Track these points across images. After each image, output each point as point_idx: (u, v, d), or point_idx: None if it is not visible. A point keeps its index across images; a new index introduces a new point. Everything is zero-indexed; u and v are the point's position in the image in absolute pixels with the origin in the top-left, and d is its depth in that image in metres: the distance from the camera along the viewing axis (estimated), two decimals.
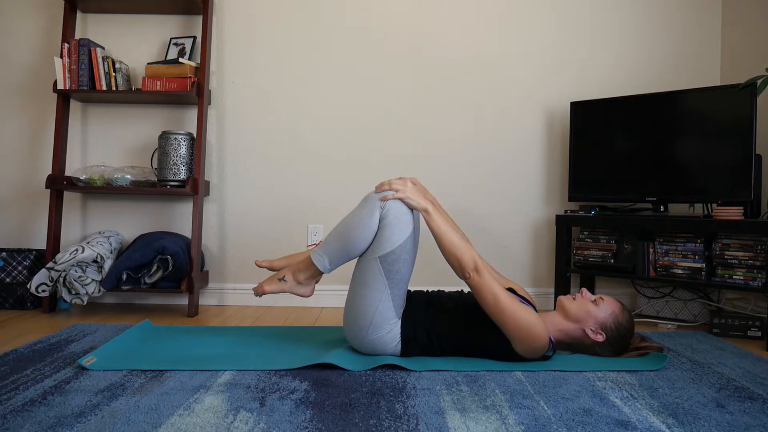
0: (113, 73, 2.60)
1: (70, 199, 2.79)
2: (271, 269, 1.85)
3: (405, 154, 2.81)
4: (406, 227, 1.70)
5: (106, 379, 1.54)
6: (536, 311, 1.87)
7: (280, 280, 1.80)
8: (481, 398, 1.44)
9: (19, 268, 2.56)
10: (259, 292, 1.81)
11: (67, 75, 2.57)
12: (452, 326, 1.75)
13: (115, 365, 1.65)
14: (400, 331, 1.73)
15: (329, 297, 2.79)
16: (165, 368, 1.64)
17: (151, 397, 1.40)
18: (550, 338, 1.71)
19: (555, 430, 1.25)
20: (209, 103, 2.75)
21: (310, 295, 1.84)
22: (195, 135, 2.67)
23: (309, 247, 1.83)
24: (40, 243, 2.79)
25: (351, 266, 2.79)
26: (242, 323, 2.38)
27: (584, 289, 1.83)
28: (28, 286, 2.44)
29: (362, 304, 1.71)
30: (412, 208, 1.72)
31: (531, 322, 1.64)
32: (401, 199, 1.70)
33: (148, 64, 2.65)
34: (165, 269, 2.49)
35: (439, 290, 1.93)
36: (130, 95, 2.63)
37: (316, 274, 1.79)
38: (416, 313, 1.76)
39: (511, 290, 1.90)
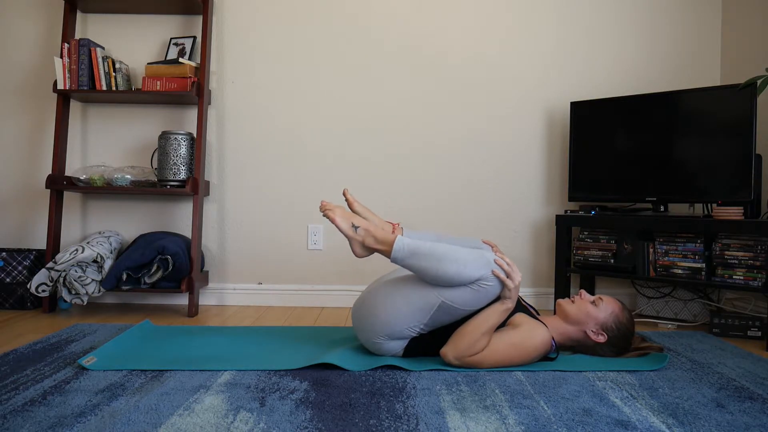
0: (113, 73, 2.60)
1: (70, 199, 2.79)
2: (350, 205, 1.82)
3: (405, 154, 2.81)
4: (483, 303, 1.64)
5: (106, 379, 1.54)
6: (538, 314, 1.87)
7: (354, 226, 1.72)
8: (481, 398, 1.44)
9: (19, 268, 2.56)
10: (327, 212, 1.73)
11: (67, 75, 2.57)
12: (455, 327, 1.74)
13: (115, 365, 1.65)
14: (407, 343, 1.73)
15: (329, 297, 2.79)
16: (165, 368, 1.64)
17: (151, 397, 1.40)
18: (552, 341, 1.71)
19: (555, 430, 1.25)
20: (209, 103, 2.75)
21: (361, 257, 1.75)
22: (195, 135, 2.67)
23: (396, 225, 1.78)
24: (40, 243, 2.79)
25: (356, 268, 2.80)
26: (242, 323, 2.38)
27: (582, 291, 1.83)
28: (28, 286, 2.44)
29: (392, 313, 1.68)
30: (503, 297, 1.64)
31: (535, 347, 1.66)
32: (506, 287, 1.62)
33: (148, 64, 2.65)
34: (165, 269, 2.49)
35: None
36: (130, 95, 2.63)
37: (381, 251, 1.71)
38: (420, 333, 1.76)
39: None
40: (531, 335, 1.65)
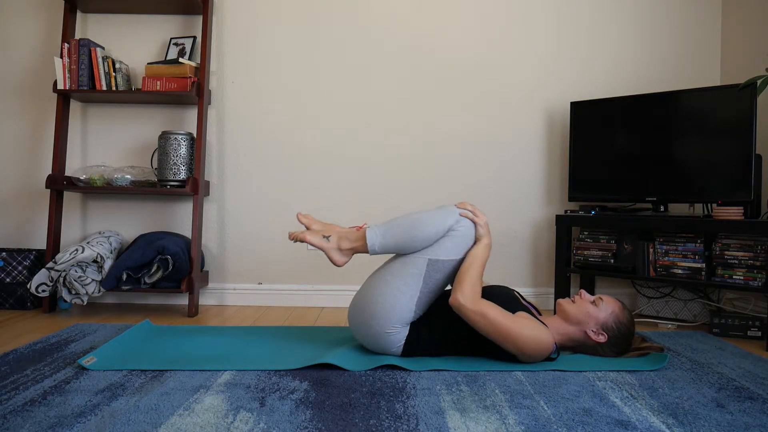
0: (113, 73, 2.60)
1: (70, 199, 2.79)
2: (308, 227, 1.84)
3: (405, 154, 2.81)
4: (465, 247, 1.73)
5: (106, 379, 1.54)
6: (539, 314, 1.88)
7: (324, 237, 1.79)
8: (481, 398, 1.44)
9: (19, 268, 2.56)
10: (297, 238, 1.80)
11: (67, 75, 2.57)
12: (453, 326, 1.75)
13: (115, 365, 1.65)
14: (406, 335, 1.73)
15: (329, 297, 2.79)
16: (165, 368, 1.64)
17: (151, 397, 1.40)
18: (554, 344, 1.71)
19: (555, 430, 1.25)
20: (209, 103, 2.75)
21: (341, 265, 1.81)
22: (195, 135, 2.67)
23: (359, 227, 1.81)
24: (40, 243, 2.79)
25: (354, 267, 2.80)
26: (242, 323, 2.38)
27: (582, 291, 1.83)
28: (28, 286, 2.44)
29: (388, 292, 1.70)
30: (478, 237, 1.74)
31: (536, 341, 1.65)
32: (477, 224, 1.74)
33: (148, 64, 2.65)
34: (165, 269, 2.49)
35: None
36: (130, 95, 2.63)
37: (360, 251, 1.78)
38: (421, 316, 1.76)
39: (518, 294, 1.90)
40: (533, 328, 1.66)
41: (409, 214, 1.76)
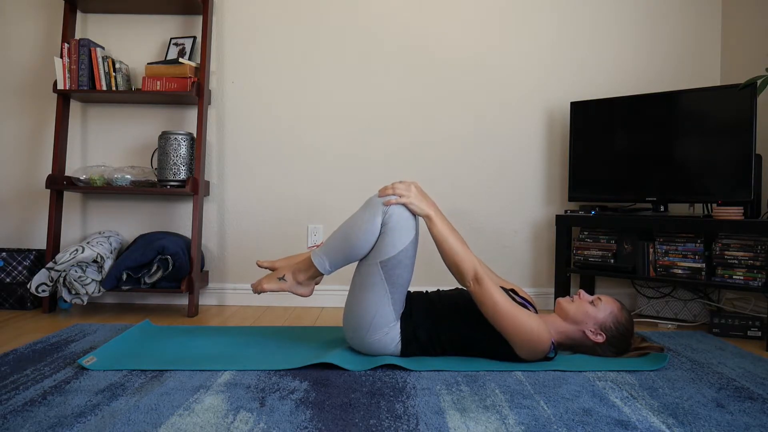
0: (113, 73, 2.60)
1: (70, 199, 2.79)
2: (272, 269, 1.86)
3: (405, 154, 2.81)
4: (408, 233, 1.69)
5: (106, 379, 1.54)
6: (537, 312, 1.88)
7: (279, 279, 1.80)
8: (481, 398, 1.44)
9: (19, 268, 2.56)
10: (257, 290, 1.81)
11: (67, 75, 2.57)
12: (452, 326, 1.75)
13: (115, 365, 1.65)
14: (399, 331, 1.73)
15: (329, 297, 2.79)
16: (165, 368, 1.64)
17: (151, 397, 1.40)
18: (551, 342, 1.71)
19: (555, 430, 1.25)
20: (209, 103, 2.75)
21: (309, 295, 1.84)
22: (195, 135, 2.67)
23: (309, 248, 1.83)
24: (40, 243, 2.79)
25: (351, 267, 2.80)
26: (242, 323, 2.38)
27: (581, 291, 1.83)
28: (28, 286, 2.44)
29: (362, 307, 1.71)
30: (414, 214, 1.71)
31: (532, 327, 1.64)
32: (404, 205, 1.69)
33: (148, 64, 2.65)
34: (165, 269, 2.49)
35: (438, 290, 1.93)
36: (130, 95, 2.63)
37: (316, 275, 1.79)
38: (416, 313, 1.76)
39: (512, 291, 1.90)
40: (531, 318, 1.65)
41: (342, 225, 1.74)
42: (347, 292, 2.74)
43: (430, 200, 1.86)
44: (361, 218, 1.69)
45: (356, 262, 1.76)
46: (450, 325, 1.75)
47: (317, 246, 1.82)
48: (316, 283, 1.84)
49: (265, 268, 1.85)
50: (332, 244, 1.73)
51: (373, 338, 1.72)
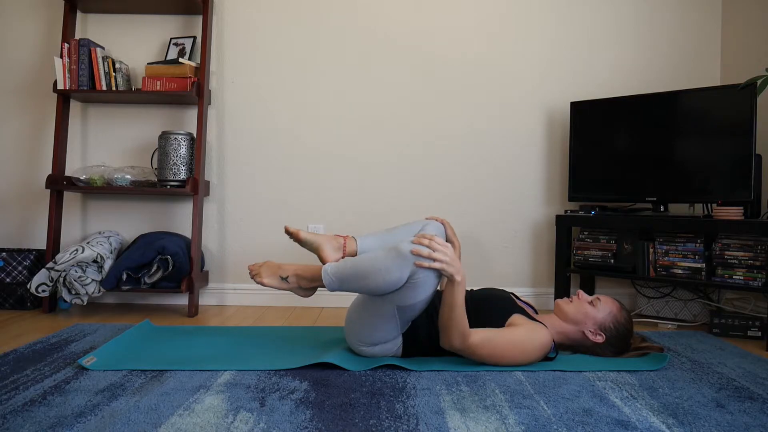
0: (113, 73, 2.60)
1: (70, 199, 2.79)
2: (297, 239, 1.80)
3: (405, 154, 2.81)
4: (431, 288, 1.61)
5: (106, 379, 1.54)
6: (536, 312, 1.88)
7: (282, 278, 1.77)
8: (481, 398, 1.44)
9: (19, 268, 2.56)
10: (256, 279, 1.77)
11: (67, 75, 2.57)
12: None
13: (115, 365, 1.65)
14: (401, 341, 1.73)
15: (329, 297, 2.79)
16: (165, 368, 1.64)
17: (151, 397, 1.40)
18: (552, 342, 1.71)
19: (555, 430, 1.25)
20: (209, 103, 2.75)
21: (308, 297, 1.82)
22: (195, 135, 2.67)
23: (337, 236, 1.77)
24: (40, 243, 2.79)
25: None
26: (242, 323, 2.38)
27: (580, 291, 1.83)
28: (28, 286, 2.44)
29: (367, 327, 1.69)
30: (446, 275, 1.59)
31: (533, 344, 1.64)
32: (439, 270, 1.57)
33: (148, 64, 2.65)
34: (165, 269, 2.49)
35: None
36: (130, 95, 2.63)
37: (321, 286, 1.74)
38: (418, 317, 1.76)
39: (513, 295, 1.89)
40: (531, 336, 1.65)
41: (364, 260, 1.62)
42: (348, 292, 2.75)
43: (455, 239, 1.86)
44: (386, 267, 1.57)
45: None
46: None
47: (349, 237, 1.77)
48: (312, 293, 1.81)
49: (291, 232, 1.79)
50: (348, 274, 1.63)
51: (376, 350, 1.72)
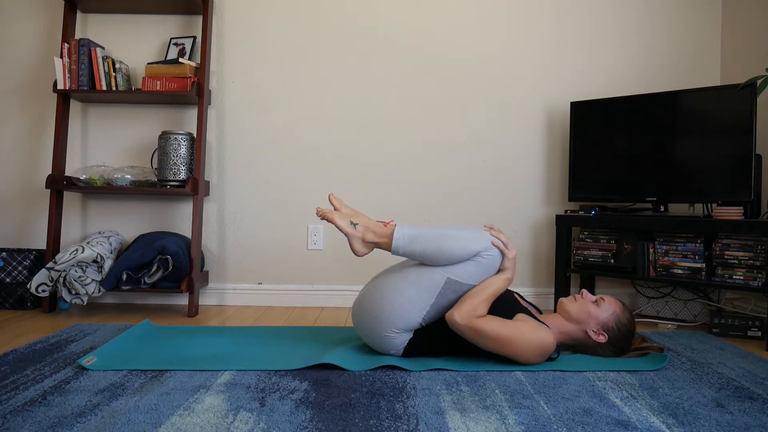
0: (113, 73, 2.60)
1: (70, 199, 2.79)
2: (337, 209, 1.81)
3: (405, 154, 2.81)
4: (486, 276, 1.70)
5: (106, 379, 1.54)
6: (541, 312, 1.87)
7: (352, 223, 1.76)
8: (481, 398, 1.44)
9: (19, 268, 2.56)
10: (325, 217, 1.76)
11: (67, 75, 2.57)
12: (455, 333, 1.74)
13: (115, 365, 1.65)
14: (409, 338, 1.73)
15: (329, 297, 2.79)
16: (165, 368, 1.64)
17: (151, 397, 1.40)
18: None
19: (555, 430, 1.25)
20: (209, 103, 2.75)
21: (361, 255, 1.78)
22: (195, 135, 2.67)
23: (379, 222, 1.78)
24: (40, 243, 2.79)
25: (356, 268, 2.80)
26: (242, 323, 2.38)
27: (584, 291, 1.83)
28: (28, 286, 2.44)
29: (398, 300, 1.69)
30: (502, 269, 1.72)
31: (537, 342, 1.64)
32: (506, 257, 1.71)
33: (148, 64, 2.65)
34: (165, 269, 2.49)
35: None
36: (130, 95, 2.63)
37: (381, 246, 1.75)
38: (438, 320, 1.75)
39: (518, 294, 1.90)
40: (535, 329, 1.65)
41: (440, 227, 1.71)
42: (348, 292, 2.74)
43: None
44: (464, 236, 1.67)
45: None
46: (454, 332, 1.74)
47: (386, 223, 1.78)
48: (369, 251, 1.80)
49: (333, 201, 1.81)
50: (420, 238, 1.68)
51: (383, 332, 1.71)
